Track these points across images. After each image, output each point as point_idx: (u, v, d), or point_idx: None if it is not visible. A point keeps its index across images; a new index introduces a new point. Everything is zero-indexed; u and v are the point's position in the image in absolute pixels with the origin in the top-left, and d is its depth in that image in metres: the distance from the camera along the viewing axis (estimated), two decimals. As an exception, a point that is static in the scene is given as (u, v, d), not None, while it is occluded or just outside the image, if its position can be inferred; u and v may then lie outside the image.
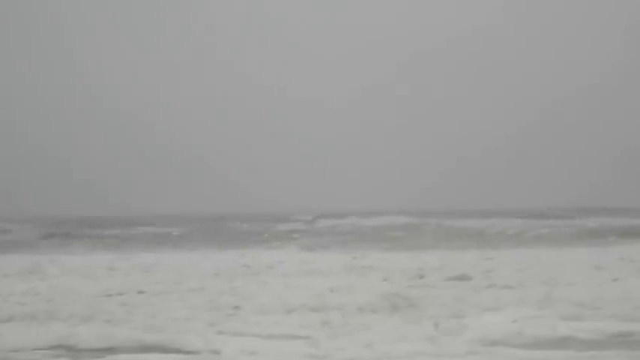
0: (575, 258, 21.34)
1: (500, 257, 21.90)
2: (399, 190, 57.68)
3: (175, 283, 17.19)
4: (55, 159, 60.23)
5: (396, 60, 62.76)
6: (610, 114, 61.06)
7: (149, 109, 62.99)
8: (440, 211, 50.88)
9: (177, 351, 10.81)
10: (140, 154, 60.47)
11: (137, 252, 27.31)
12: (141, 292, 15.95)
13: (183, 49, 66.56)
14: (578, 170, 57.68)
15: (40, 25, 66.75)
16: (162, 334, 11.54)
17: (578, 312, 12.59)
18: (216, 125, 64.51)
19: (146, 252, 27.37)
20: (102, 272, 19.98)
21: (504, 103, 63.29)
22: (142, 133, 60.74)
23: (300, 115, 63.24)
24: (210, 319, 12.70)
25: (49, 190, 59.29)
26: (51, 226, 45.68)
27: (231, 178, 59.81)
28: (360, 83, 61.98)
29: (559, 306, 13.08)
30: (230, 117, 64.57)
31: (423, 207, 52.91)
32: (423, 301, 13.83)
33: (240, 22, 69.48)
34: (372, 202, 54.13)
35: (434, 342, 10.82)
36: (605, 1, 65.08)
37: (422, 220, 45.70)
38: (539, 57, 64.48)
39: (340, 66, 64.30)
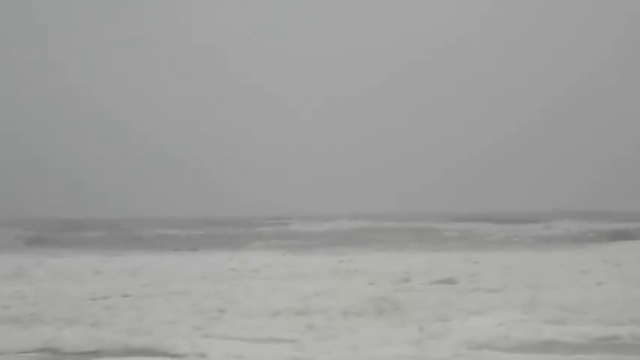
0: (560, 261, 21.41)
1: (485, 261, 21.93)
2: (386, 194, 57.72)
3: (161, 287, 17.16)
4: (42, 161, 60.06)
5: (394, 62, 62.86)
6: (598, 122, 61.35)
7: (137, 112, 62.87)
8: (426, 215, 50.96)
9: (164, 354, 10.78)
10: (127, 157, 60.36)
11: (123, 255, 27.24)
12: (126, 296, 15.90)
13: (175, 52, 66.47)
14: (565, 175, 57.90)
15: (26, 24, 66.53)
16: (148, 338, 11.52)
17: (564, 316, 12.62)
18: (205, 128, 64.44)
19: (132, 255, 27.31)
20: (88, 275, 19.93)
21: (490, 111, 63.45)
22: (130, 136, 60.61)
23: (292, 118, 63.23)
24: (196, 322, 12.68)
25: (36, 192, 59.10)
26: (37, 229, 45.51)
27: (219, 181, 59.76)
28: (355, 84, 62.03)
29: (544, 310, 13.11)
30: (219, 119, 64.53)
31: (408, 210, 52.99)
32: (409, 305, 13.83)
33: (232, 24, 69.42)
34: (359, 205, 54.16)
35: (419, 345, 10.81)
36: (604, 1, 65.33)
37: (408, 223, 45.75)
38: (535, 59, 64.69)
39: (338, 68, 64.36)
